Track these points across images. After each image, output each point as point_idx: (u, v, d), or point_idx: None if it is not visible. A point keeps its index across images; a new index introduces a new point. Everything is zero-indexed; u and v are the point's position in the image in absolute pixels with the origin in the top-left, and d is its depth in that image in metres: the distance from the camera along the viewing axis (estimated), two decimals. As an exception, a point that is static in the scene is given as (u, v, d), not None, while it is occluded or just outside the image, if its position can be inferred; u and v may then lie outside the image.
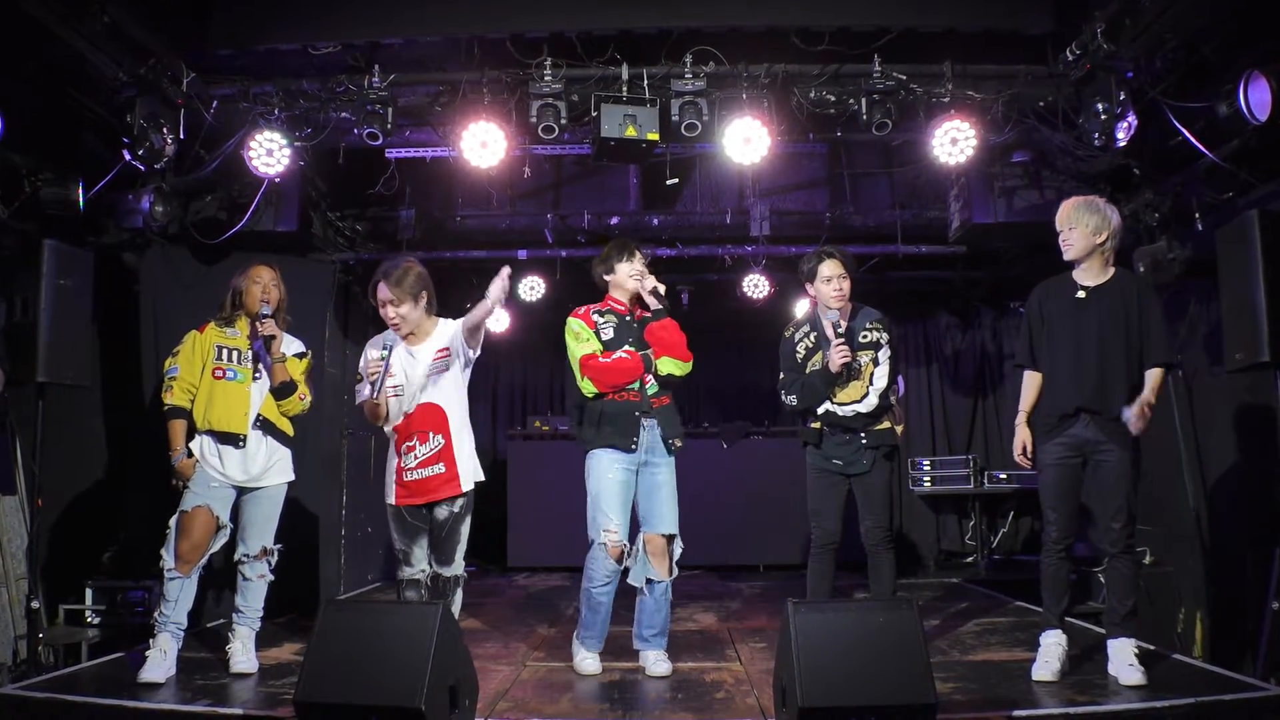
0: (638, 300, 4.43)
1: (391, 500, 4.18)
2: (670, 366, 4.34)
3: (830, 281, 4.36)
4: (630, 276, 4.40)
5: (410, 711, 2.99)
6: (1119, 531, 3.91)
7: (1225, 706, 3.56)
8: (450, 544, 4.20)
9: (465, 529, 4.25)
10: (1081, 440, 3.98)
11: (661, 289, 4.39)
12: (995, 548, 8.82)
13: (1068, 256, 4.04)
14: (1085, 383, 3.96)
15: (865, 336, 4.41)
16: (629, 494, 4.31)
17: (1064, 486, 4.04)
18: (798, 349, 4.53)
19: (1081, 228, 3.96)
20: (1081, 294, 4.01)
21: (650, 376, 4.37)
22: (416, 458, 4.13)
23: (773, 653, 3.75)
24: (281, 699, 3.72)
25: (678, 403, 4.58)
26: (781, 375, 4.60)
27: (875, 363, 4.39)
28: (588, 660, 4.37)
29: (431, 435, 4.14)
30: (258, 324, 4.37)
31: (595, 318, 4.44)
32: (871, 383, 4.37)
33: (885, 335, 4.43)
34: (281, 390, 4.43)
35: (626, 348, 4.36)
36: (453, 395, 4.25)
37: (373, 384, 4.07)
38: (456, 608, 4.26)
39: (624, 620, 4.51)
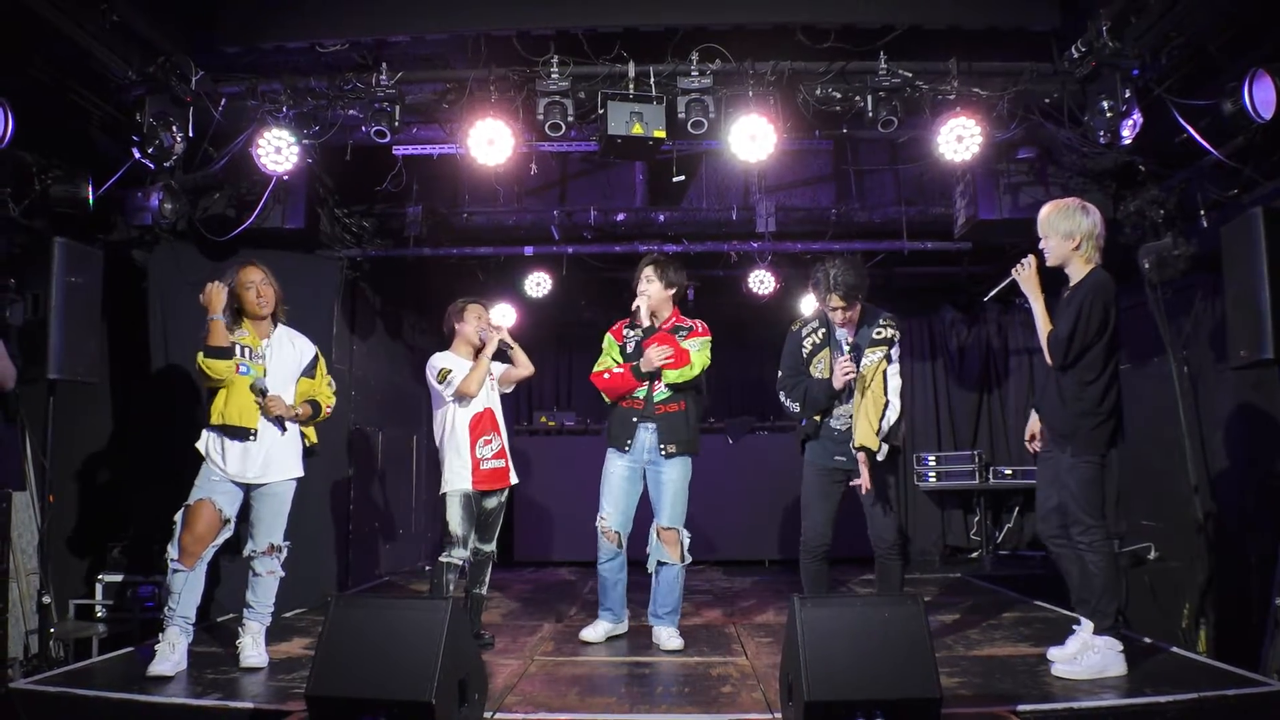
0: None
1: (469, 486, 4.83)
2: (670, 376, 4.75)
3: (836, 311, 4.38)
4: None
5: (421, 705, 3.02)
6: (1070, 527, 4.02)
7: (1228, 702, 3.58)
8: (495, 526, 5.06)
9: (503, 513, 5.13)
10: (1047, 438, 4.20)
11: (641, 310, 4.84)
12: (1000, 543, 8.84)
13: (1049, 263, 4.15)
14: (1040, 379, 4.10)
15: (879, 334, 4.40)
16: (627, 488, 4.88)
17: (1043, 478, 4.24)
18: (804, 344, 4.52)
19: (1054, 235, 4.06)
20: (1066, 293, 4.12)
21: (659, 383, 4.80)
22: (492, 450, 4.95)
23: (778, 647, 3.78)
24: (291, 693, 3.76)
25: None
26: (780, 374, 4.60)
27: (889, 359, 4.36)
28: (586, 629, 5.00)
29: (495, 436, 4.99)
30: (262, 400, 4.41)
31: (626, 332, 4.96)
32: (886, 383, 4.33)
33: (898, 334, 4.42)
34: (309, 421, 4.63)
35: (624, 361, 4.91)
36: (499, 406, 5.12)
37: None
38: (487, 580, 5.06)
39: (641, 606, 4.89)
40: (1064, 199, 4.16)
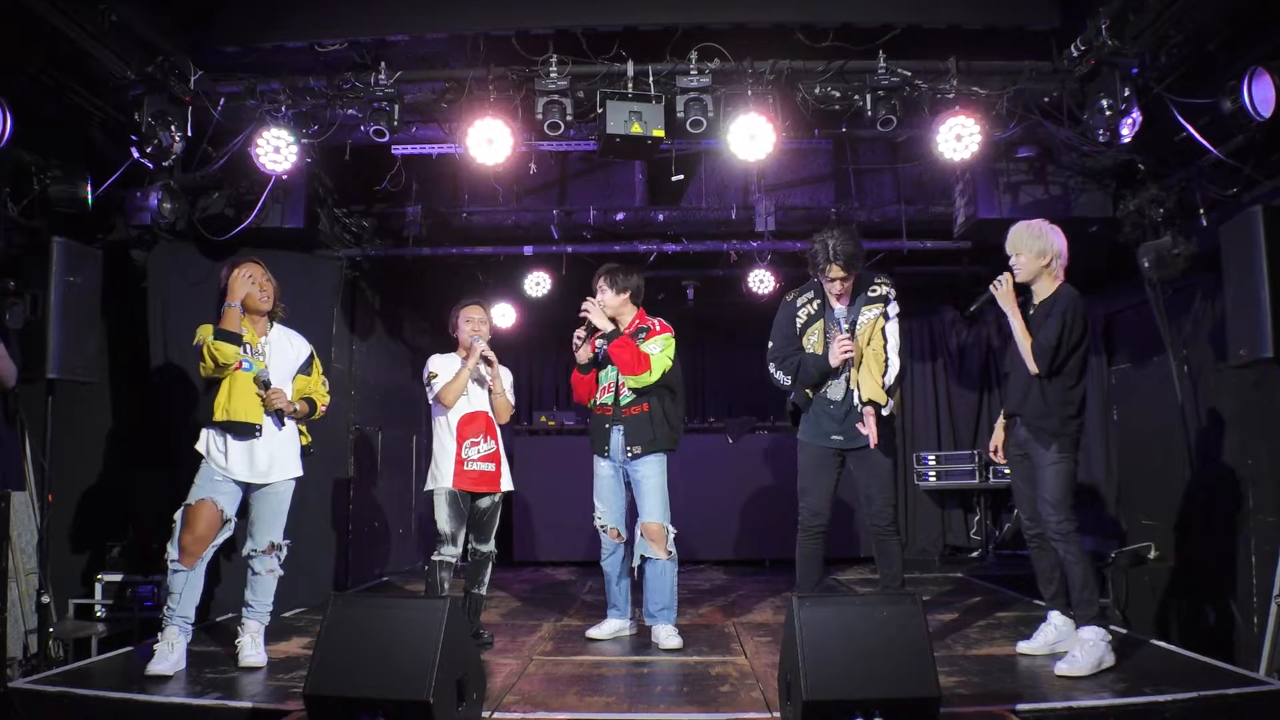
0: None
1: (449, 484, 4.82)
2: (630, 382, 4.83)
3: (834, 283, 4.37)
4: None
5: (418, 704, 3.02)
6: (1044, 521, 4.16)
7: (1227, 701, 3.58)
8: (489, 526, 5.02)
9: (498, 514, 5.09)
10: (1021, 440, 4.35)
11: (592, 315, 4.80)
12: (1000, 543, 8.83)
13: (1019, 279, 4.28)
14: (1016, 389, 4.36)
15: (874, 292, 4.41)
16: (614, 486, 5.00)
17: (1017, 481, 4.48)
18: (798, 314, 4.49)
19: (1027, 253, 4.23)
20: (1032, 310, 4.28)
21: (624, 388, 4.88)
22: (479, 453, 4.91)
23: (777, 647, 3.77)
24: (290, 692, 3.76)
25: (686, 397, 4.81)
26: (772, 344, 4.54)
27: (885, 316, 4.36)
28: (593, 628, 5.10)
29: (485, 438, 4.95)
30: (264, 393, 4.41)
31: (598, 342, 4.93)
32: (886, 340, 4.34)
33: (893, 291, 4.42)
34: (304, 419, 4.65)
35: (595, 366, 4.98)
36: (490, 409, 5.05)
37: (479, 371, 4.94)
38: (487, 580, 5.06)
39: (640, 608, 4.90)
40: (1032, 220, 4.32)
